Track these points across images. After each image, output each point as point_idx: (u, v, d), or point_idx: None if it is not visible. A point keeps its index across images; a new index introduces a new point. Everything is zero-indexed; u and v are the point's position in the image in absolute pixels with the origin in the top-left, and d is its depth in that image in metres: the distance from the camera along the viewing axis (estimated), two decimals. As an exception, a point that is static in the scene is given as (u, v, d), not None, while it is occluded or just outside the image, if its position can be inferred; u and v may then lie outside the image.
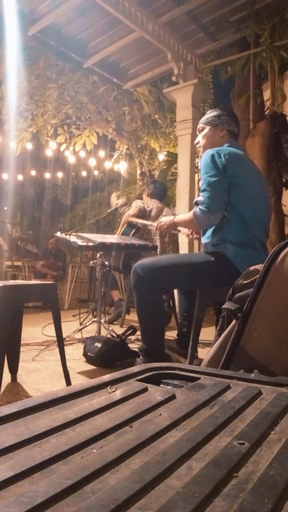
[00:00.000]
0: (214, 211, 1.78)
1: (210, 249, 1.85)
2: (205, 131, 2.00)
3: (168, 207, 3.94)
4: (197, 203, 1.82)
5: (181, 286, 2.22)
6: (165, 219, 2.09)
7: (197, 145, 2.06)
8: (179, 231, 2.30)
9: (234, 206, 1.79)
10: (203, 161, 1.82)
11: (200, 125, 2.04)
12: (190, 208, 2.96)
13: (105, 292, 4.06)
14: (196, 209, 1.81)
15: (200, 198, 1.81)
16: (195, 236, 2.22)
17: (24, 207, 13.83)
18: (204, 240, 1.93)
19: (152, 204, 3.67)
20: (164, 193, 3.87)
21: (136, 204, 3.64)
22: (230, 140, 1.97)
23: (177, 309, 2.87)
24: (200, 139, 2.03)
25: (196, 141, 2.08)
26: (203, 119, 2.03)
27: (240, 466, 0.35)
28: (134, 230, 3.35)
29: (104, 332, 2.69)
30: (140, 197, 5.74)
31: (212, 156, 1.79)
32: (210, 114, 2.02)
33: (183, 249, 4.00)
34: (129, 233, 3.35)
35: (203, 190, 1.79)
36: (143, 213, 3.59)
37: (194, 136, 3.90)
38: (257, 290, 0.91)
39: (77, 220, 11.54)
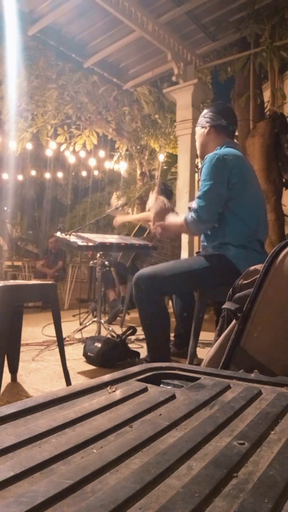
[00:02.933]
0: (205, 221, 1.80)
1: (210, 252, 1.84)
2: (197, 132, 2.02)
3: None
4: (189, 209, 1.83)
5: (183, 293, 2.25)
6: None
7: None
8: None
9: (237, 211, 1.78)
10: (206, 163, 1.78)
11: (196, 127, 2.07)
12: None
13: (105, 292, 4.05)
14: (188, 215, 1.82)
15: (193, 204, 1.80)
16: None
17: (24, 207, 13.82)
18: (204, 242, 1.93)
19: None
20: (170, 193, 3.84)
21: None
22: (219, 135, 1.93)
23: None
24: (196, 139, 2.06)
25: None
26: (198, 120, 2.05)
27: (240, 466, 0.35)
28: (147, 232, 3.39)
29: (104, 332, 2.69)
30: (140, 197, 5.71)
31: (217, 162, 1.75)
32: (201, 115, 2.02)
33: (184, 249, 3.99)
34: (142, 235, 3.36)
35: (199, 197, 1.78)
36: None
37: (194, 136, 3.90)
38: (257, 290, 0.91)
39: (77, 220, 11.53)
